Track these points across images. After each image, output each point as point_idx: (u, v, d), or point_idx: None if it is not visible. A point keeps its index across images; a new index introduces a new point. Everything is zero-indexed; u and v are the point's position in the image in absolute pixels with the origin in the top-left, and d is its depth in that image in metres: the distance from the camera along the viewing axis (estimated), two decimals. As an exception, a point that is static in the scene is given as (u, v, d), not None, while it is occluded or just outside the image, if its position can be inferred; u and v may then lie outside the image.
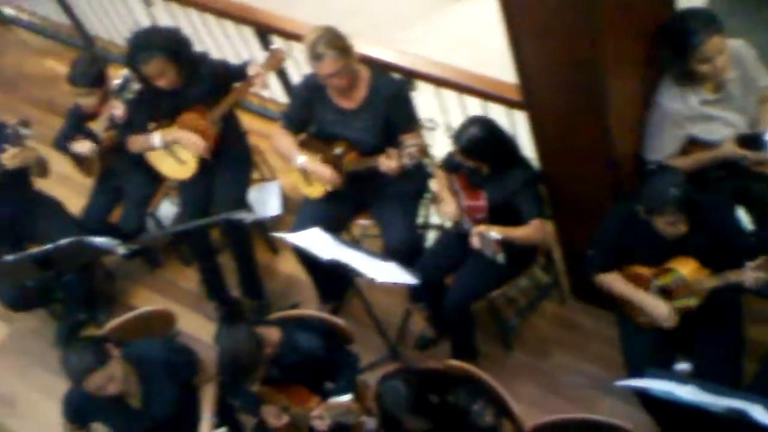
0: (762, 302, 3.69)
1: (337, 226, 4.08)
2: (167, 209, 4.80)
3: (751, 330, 3.40)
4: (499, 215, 3.62)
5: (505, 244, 3.48)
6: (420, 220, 4.27)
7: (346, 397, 3.28)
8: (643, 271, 3.28)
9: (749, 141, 3.28)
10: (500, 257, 3.41)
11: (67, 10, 5.69)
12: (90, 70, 4.28)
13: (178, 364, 3.54)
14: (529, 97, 3.35)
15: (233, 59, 4.72)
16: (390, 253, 3.88)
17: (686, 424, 3.28)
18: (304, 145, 4.03)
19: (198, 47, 4.27)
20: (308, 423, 3.36)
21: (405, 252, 3.89)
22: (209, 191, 4.34)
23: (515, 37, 3.11)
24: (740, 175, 3.41)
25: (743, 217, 3.52)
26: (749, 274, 2.98)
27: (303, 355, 3.41)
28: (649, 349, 3.30)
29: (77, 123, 4.43)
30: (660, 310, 3.23)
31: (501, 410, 3.20)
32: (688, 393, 2.81)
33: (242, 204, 4.32)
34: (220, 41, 4.84)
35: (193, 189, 4.36)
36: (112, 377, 3.27)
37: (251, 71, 4.09)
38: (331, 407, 3.29)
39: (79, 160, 4.54)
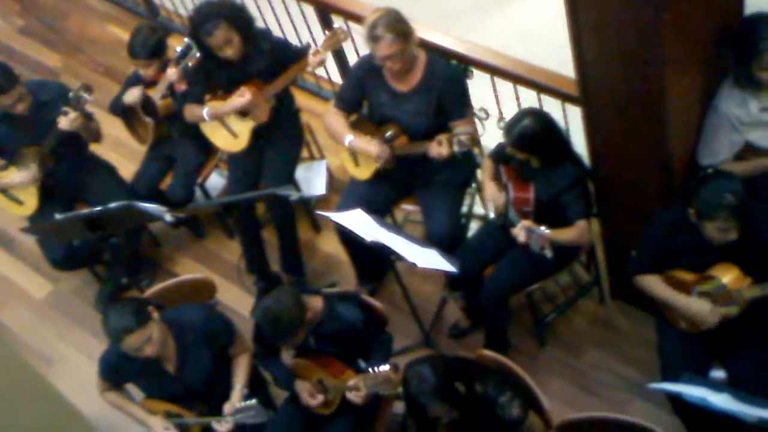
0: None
1: (380, 209, 4.09)
2: (216, 181, 4.87)
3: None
4: (545, 209, 3.60)
5: (549, 239, 3.45)
6: (464, 209, 4.26)
7: (384, 367, 3.25)
8: (685, 276, 3.24)
9: (807, 151, 3.23)
10: (548, 252, 3.39)
11: (134, -22, 5.79)
12: (149, 42, 4.31)
13: (215, 332, 3.57)
14: (585, 91, 3.32)
15: (293, 38, 4.77)
16: (432, 240, 3.89)
17: (716, 432, 3.26)
18: (355, 126, 4.04)
19: (260, 25, 4.30)
20: (343, 394, 3.37)
21: (447, 240, 3.89)
22: (258, 166, 4.39)
23: (577, 31, 3.08)
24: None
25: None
26: None
27: (342, 326, 3.43)
28: (686, 354, 3.26)
29: (135, 90, 4.50)
30: (702, 309, 3.17)
31: (529, 404, 3.18)
32: (721, 401, 2.78)
33: (290, 181, 4.35)
34: (282, 19, 4.87)
35: (243, 162, 4.41)
36: (150, 339, 3.31)
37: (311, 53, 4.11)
38: (367, 377, 3.28)
39: (133, 127, 4.60)
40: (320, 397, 3.43)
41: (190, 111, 4.30)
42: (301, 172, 4.62)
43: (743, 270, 3.12)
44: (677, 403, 3.24)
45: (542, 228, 3.41)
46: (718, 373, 3.30)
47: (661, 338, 3.40)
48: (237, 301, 4.58)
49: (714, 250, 3.12)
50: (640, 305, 3.88)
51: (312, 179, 4.69)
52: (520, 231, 3.46)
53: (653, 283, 3.31)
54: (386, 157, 3.88)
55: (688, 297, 3.22)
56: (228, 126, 4.30)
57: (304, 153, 4.66)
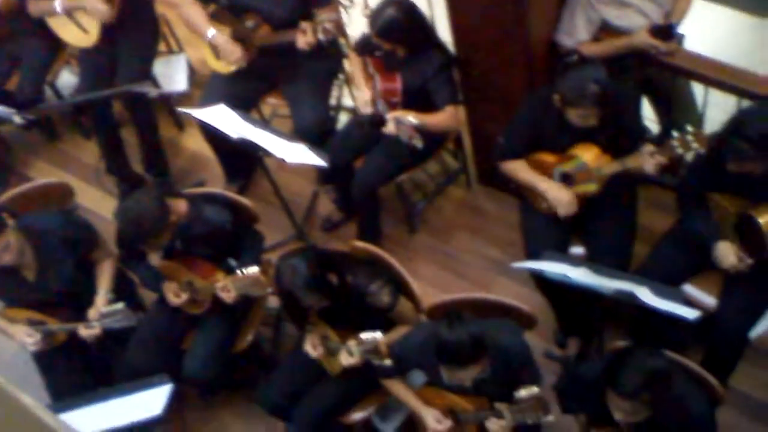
0: (655, 190, 3.81)
1: (246, 104, 3.98)
2: (67, 79, 4.63)
3: (643, 216, 3.51)
4: (413, 99, 3.59)
5: (418, 129, 3.45)
6: (332, 101, 4.20)
7: (253, 269, 3.23)
8: (548, 158, 3.31)
9: (661, 31, 3.31)
10: (417, 142, 3.39)
11: None
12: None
13: (75, 237, 3.45)
14: (447, -24, 3.28)
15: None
16: (300, 134, 3.82)
17: (578, 306, 3.41)
18: (214, 18, 3.87)
19: None
20: (213, 294, 3.33)
21: (315, 133, 3.83)
22: (112, 62, 4.17)
23: None
24: (648, 65, 3.45)
25: (646, 106, 3.59)
26: (647, 159, 3.04)
27: (209, 228, 3.36)
28: (547, 233, 3.36)
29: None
30: (562, 195, 3.27)
31: (400, 290, 3.24)
32: (579, 275, 2.89)
33: (146, 76, 4.18)
34: None
35: (95, 58, 4.18)
36: (7, 247, 3.19)
37: None
38: (237, 279, 3.26)
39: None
40: (185, 296, 3.39)
41: (35, 5, 4.03)
42: (159, 68, 4.42)
43: (603, 149, 3.21)
44: (540, 280, 3.37)
45: (410, 117, 3.40)
46: (578, 250, 3.44)
47: (524, 219, 3.49)
48: (98, 204, 4.42)
49: (576, 132, 3.19)
50: (505, 189, 3.97)
51: (172, 75, 4.50)
52: (389, 123, 3.44)
53: (518, 169, 3.37)
54: (243, 65, 3.79)
55: (549, 182, 3.30)
56: (76, 20, 4.04)
57: (162, 47, 4.45)
